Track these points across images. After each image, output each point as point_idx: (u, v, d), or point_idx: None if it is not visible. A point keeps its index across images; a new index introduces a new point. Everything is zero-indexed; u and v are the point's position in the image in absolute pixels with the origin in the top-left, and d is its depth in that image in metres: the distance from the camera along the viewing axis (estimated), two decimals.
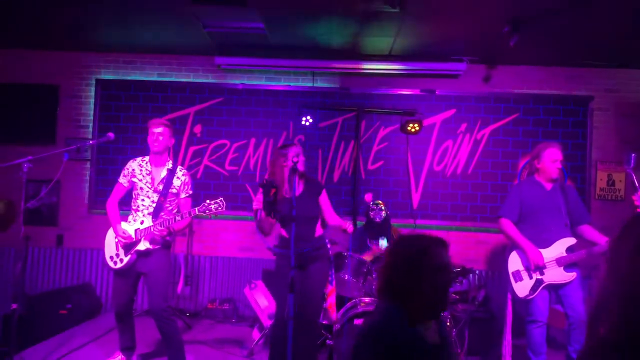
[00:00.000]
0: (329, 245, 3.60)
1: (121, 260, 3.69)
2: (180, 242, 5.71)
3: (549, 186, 3.85)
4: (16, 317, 3.57)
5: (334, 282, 3.69)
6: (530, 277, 3.70)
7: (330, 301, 3.60)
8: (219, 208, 3.47)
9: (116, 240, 3.72)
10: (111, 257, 3.75)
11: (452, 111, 5.76)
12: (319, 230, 3.56)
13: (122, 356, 3.89)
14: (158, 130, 3.71)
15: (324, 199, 3.58)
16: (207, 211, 3.48)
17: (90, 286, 5.73)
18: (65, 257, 5.88)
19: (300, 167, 3.43)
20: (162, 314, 3.63)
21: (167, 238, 3.70)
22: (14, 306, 3.58)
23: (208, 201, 3.50)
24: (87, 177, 5.90)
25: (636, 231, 1.26)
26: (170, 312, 3.75)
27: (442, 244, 1.78)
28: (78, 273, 5.85)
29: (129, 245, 3.67)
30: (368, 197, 4.99)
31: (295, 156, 3.34)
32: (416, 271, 1.71)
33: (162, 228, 3.56)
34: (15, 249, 5.61)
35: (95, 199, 5.84)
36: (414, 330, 1.72)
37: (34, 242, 5.64)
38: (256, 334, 4.70)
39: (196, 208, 3.52)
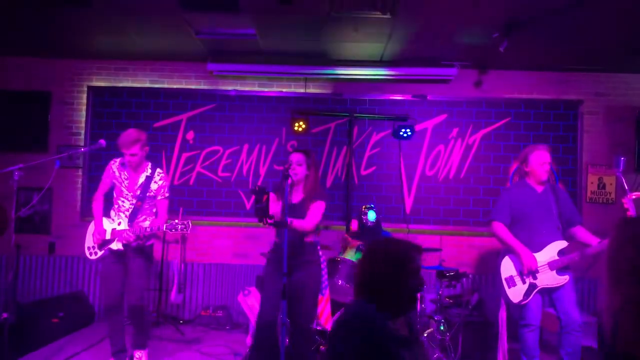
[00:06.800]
0: (320, 252, 3.60)
1: (96, 254, 3.93)
2: (173, 249, 5.70)
3: (540, 188, 3.83)
4: (7, 326, 3.56)
5: (326, 291, 3.67)
6: (524, 282, 3.68)
7: (323, 309, 3.58)
8: (185, 230, 3.72)
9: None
10: (88, 248, 3.98)
11: (444, 116, 5.79)
12: (310, 237, 3.57)
13: None
14: (131, 152, 3.80)
15: (314, 206, 3.50)
16: (174, 230, 3.73)
17: (82, 294, 5.68)
18: (58, 265, 5.84)
19: (299, 174, 3.49)
20: (138, 306, 3.84)
21: (139, 242, 3.85)
22: (5, 315, 3.58)
23: (176, 221, 3.74)
24: (80, 185, 5.88)
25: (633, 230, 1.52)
26: (145, 305, 3.96)
27: (419, 249, 1.96)
28: (70, 281, 5.81)
29: (102, 243, 3.87)
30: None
31: (293, 163, 3.47)
32: (398, 273, 1.86)
33: (131, 235, 3.75)
34: (7, 257, 5.57)
35: (88, 207, 5.79)
36: (386, 323, 1.87)
37: (25, 250, 5.60)
38: (250, 341, 4.68)
39: (164, 225, 3.75)
